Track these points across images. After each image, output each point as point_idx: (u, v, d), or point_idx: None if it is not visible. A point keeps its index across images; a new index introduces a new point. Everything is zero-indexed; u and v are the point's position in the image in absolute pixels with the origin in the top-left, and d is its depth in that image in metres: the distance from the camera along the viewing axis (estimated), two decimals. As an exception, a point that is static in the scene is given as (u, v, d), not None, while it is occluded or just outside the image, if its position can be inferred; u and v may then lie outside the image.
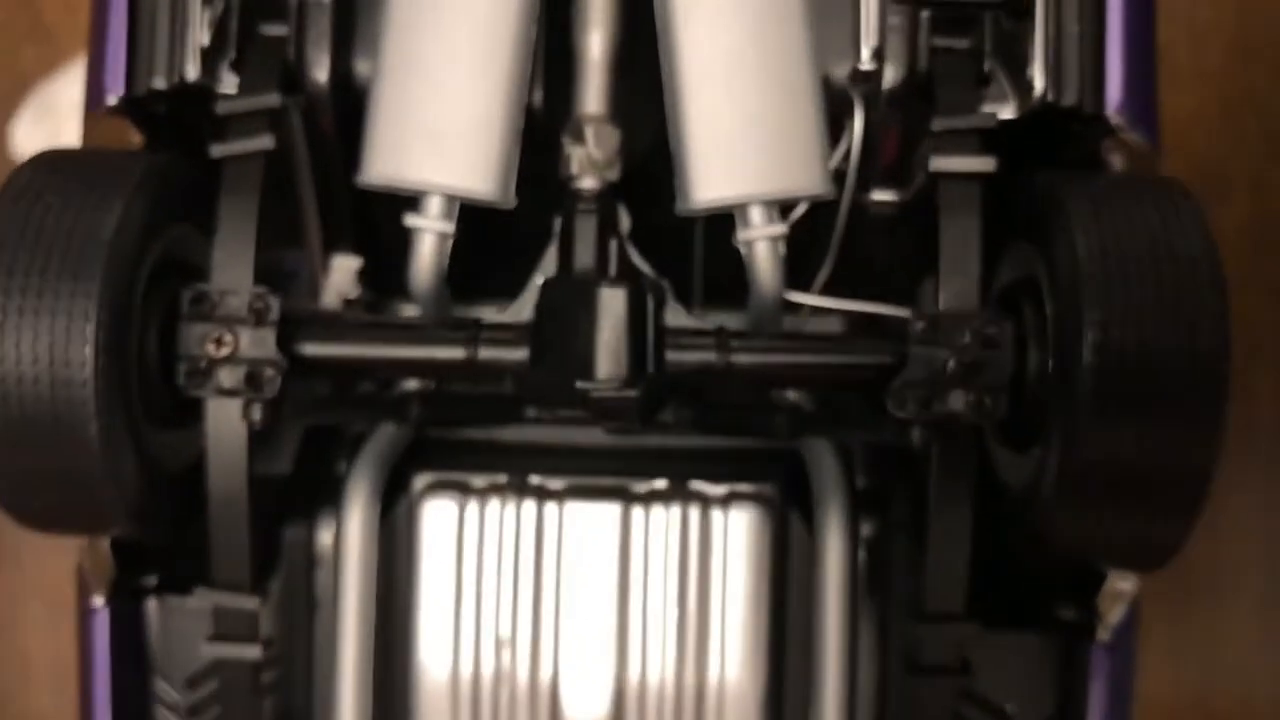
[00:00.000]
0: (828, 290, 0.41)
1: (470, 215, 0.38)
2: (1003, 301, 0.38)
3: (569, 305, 0.37)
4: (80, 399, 0.34)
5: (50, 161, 0.37)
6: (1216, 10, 0.66)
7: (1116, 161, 0.39)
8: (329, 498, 0.42)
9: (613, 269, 0.38)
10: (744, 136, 0.37)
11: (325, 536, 0.43)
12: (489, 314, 0.42)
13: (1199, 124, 0.65)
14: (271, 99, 0.38)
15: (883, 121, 0.39)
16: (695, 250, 0.43)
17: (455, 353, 0.38)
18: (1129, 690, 0.41)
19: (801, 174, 0.38)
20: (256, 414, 0.36)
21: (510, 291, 0.41)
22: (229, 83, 0.39)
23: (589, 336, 0.36)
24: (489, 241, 0.40)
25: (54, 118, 0.64)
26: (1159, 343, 0.33)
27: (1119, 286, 0.34)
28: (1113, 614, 0.40)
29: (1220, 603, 0.65)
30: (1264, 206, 0.65)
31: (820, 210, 0.40)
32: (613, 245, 0.38)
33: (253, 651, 0.38)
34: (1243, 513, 0.64)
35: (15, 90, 0.67)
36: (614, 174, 0.38)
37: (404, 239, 0.38)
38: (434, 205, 0.38)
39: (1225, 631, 0.65)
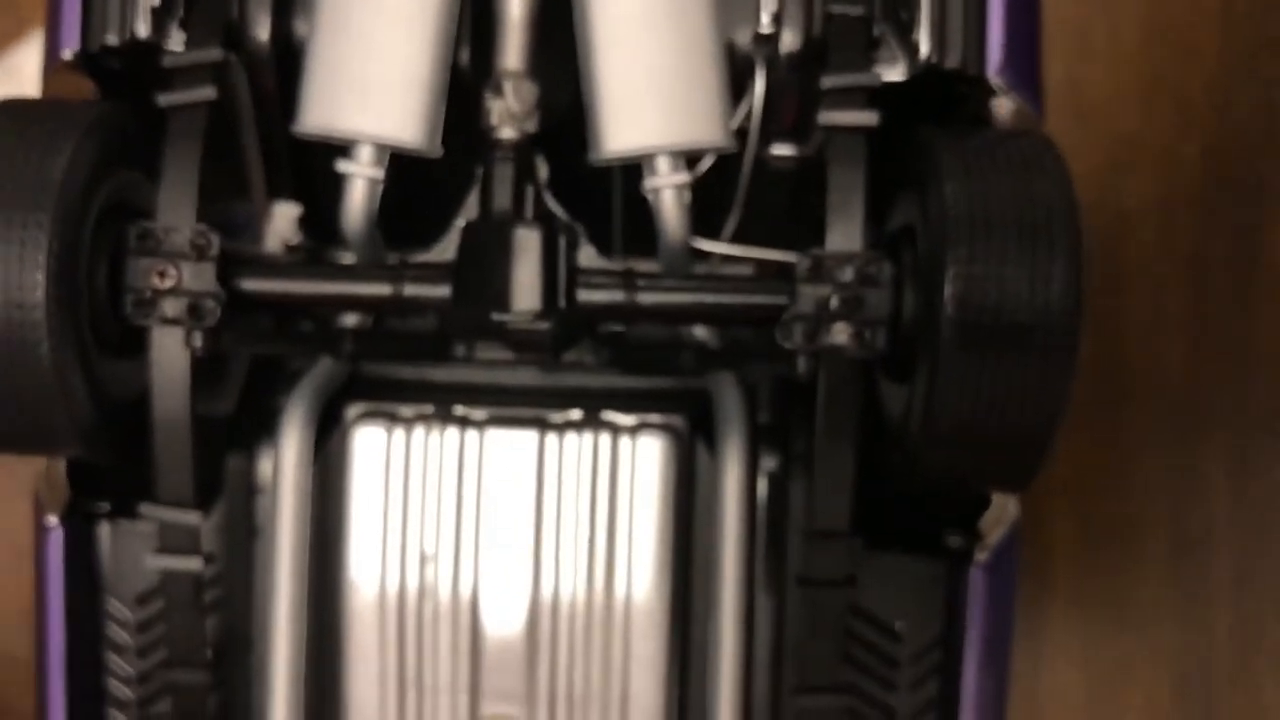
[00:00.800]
0: (736, 241, 0.45)
1: (401, 164, 0.41)
2: (890, 247, 0.41)
3: (487, 245, 0.40)
4: (33, 322, 0.37)
5: (6, 108, 0.40)
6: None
7: (999, 122, 0.43)
8: (269, 430, 0.45)
9: (529, 212, 0.41)
10: (651, 91, 0.41)
11: (265, 467, 0.46)
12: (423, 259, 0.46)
13: (1115, 101, 0.68)
14: (215, 53, 0.41)
15: (782, 82, 0.43)
16: (615, 201, 0.47)
17: (382, 289, 0.41)
18: (1010, 611, 0.45)
19: (705, 126, 0.41)
20: (198, 341, 0.39)
21: (438, 237, 0.44)
22: (177, 40, 0.42)
23: (505, 273, 0.39)
24: (418, 190, 0.43)
25: (18, 84, 0.66)
26: (1015, 282, 0.37)
27: (980, 230, 0.37)
28: (992, 535, 0.44)
29: (1127, 557, 0.68)
30: (1174, 180, 0.69)
31: (727, 164, 0.43)
32: (529, 191, 0.41)
33: (195, 563, 0.41)
34: (1151, 473, 0.68)
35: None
36: (531, 125, 0.41)
37: (339, 186, 0.42)
38: (365, 153, 0.41)
39: (1131, 584, 0.68)
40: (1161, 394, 0.68)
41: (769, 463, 0.45)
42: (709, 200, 0.43)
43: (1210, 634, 0.67)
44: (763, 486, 0.45)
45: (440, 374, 0.46)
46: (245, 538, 0.45)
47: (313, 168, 0.44)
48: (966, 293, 0.37)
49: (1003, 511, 0.44)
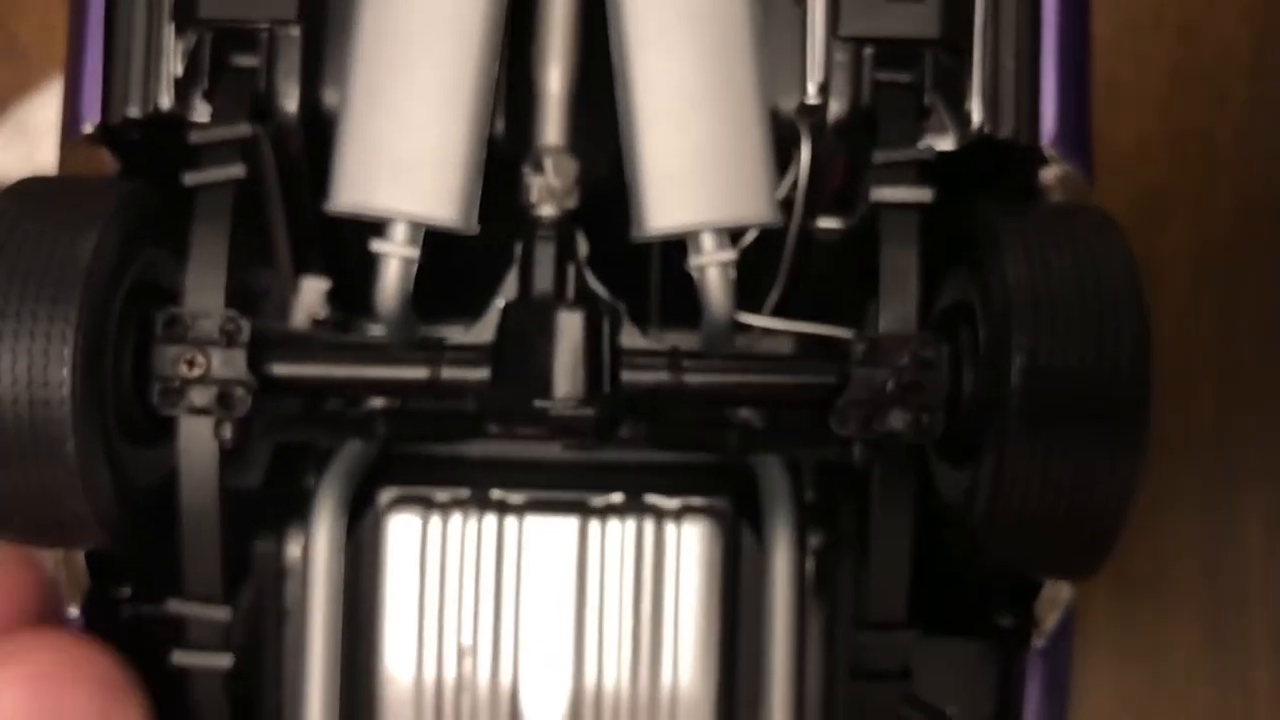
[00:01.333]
0: (778, 313, 0.43)
1: (436, 240, 0.40)
2: (941, 324, 0.40)
3: (528, 327, 0.38)
4: (57, 418, 0.35)
5: (28, 189, 0.39)
6: (1158, 43, 0.68)
7: (1051, 191, 0.42)
8: (298, 511, 0.44)
9: (570, 293, 0.39)
10: (695, 167, 0.39)
11: (294, 549, 0.44)
12: (454, 333, 0.44)
13: (1144, 149, 0.67)
14: (243, 129, 0.39)
15: (828, 152, 0.41)
16: (652, 273, 0.45)
17: (419, 372, 0.39)
18: (1065, 693, 0.43)
19: (751, 203, 0.40)
20: (227, 432, 0.37)
21: (473, 312, 0.43)
22: (202, 111, 0.41)
23: (547, 357, 0.38)
24: (455, 265, 0.41)
25: (28, 138, 0.65)
26: (1082, 363, 0.36)
27: (1045, 311, 0.36)
28: (1049, 620, 0.42)
29: (1163, 611, 0.67)
30: (1203, 230, 0.68)
31: (770, 236, 0.42)
32: (570, 270, 0.40)
33: (224, 660, 0.39)
34: (1182, 524, 0.67)
35: (-11, 110, 0.68)
36: (572, 202, 0.40)
37: (371, 262, 0.40)
38: (399, 231, 0.40)
39: (1168, 639, 0.67)
40: (1193, 448, 0.67)
41: (815, 540, 0.44)
42: (750, 271, 0.42)
43: (1248, 694, 0.66)
44: (810, 566, 0.43)
45: (474, 449, 0.45)
46: (274, 623, 0.44)
47: (341, 240, 0.43)
48: (1034, 375, 0.35)
49: (1057, 593, 0.43)
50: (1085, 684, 0.66)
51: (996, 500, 0.36)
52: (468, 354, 0.39)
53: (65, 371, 0.35)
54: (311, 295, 0.44)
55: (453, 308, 0.44)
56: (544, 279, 0.39)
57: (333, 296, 0.45)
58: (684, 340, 0.42)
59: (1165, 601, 0.67)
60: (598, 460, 0.45)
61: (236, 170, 0.39)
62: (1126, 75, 0.67)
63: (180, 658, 0.39)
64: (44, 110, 0.64)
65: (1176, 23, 0.68)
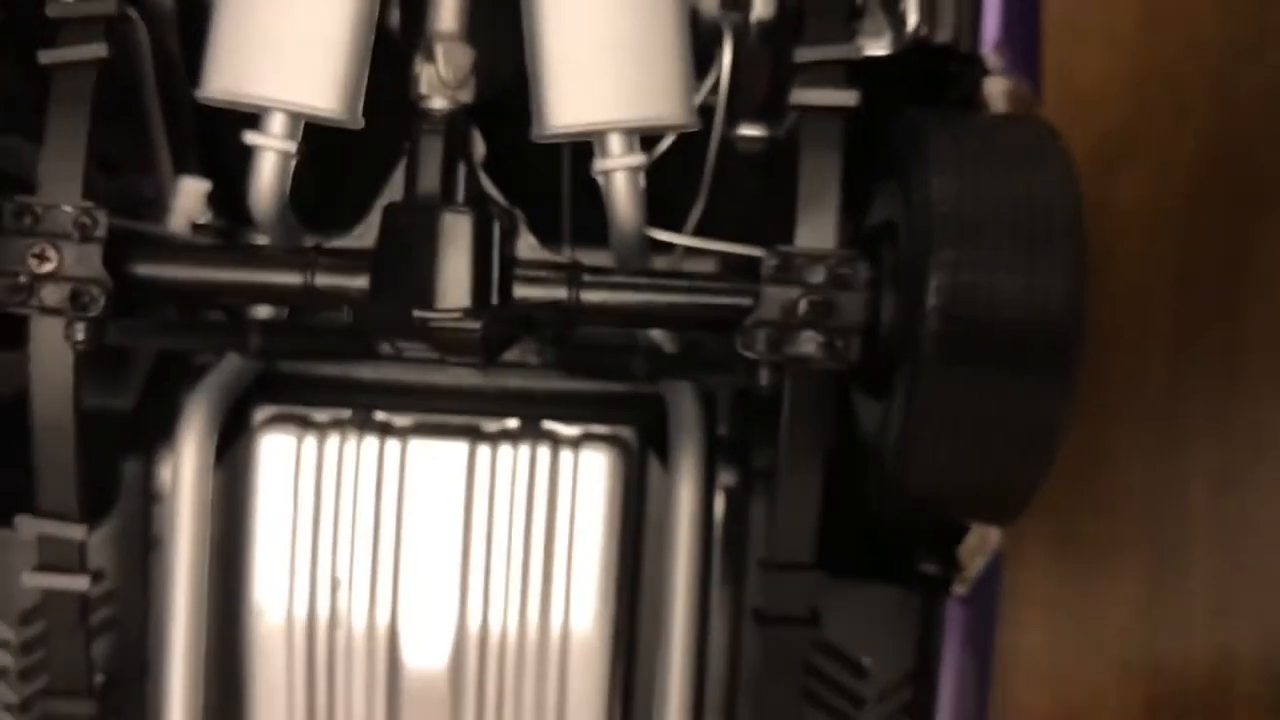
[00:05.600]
0: (700, 233, 0.40)
1: (319, 138, 0.36)
2: (866, 243, 0.37)
3: (412, 230, 0.35)
4: None
5: None
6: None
7: (994, 105, 0.38)
8: (170, 432, 0.40)
9: (459, 194, 0.36)
10: (603, 61, 0.36)
11: (165, 472, 0.41)
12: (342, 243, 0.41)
13: (1108, 90, 0.64)
14: (107, 5, 0.36)
15: (753, 54, 0.38)
16: (563, 186, 0.42)
17: (292, 278, 0.36)
18: (989, 647, 0.41)
19: (664, 102, 0.36)
20: (80, 334, 0.34)
21: (358, 220, 0.39)
22: None
23: (430, 263, 0.34)
24: (338, 167, 0.38)
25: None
26: (1010, 288, 0.32)
27: (971, 230, 0.33)
28: (973, 567, 0.40)
29: (1102, 571, 0.65)
30: (1166, 176, 0.65)
31: (691, 147, 0.39)
32: (461, 169, 0.36)
33: (80, 582, 0.36)
34: (1125, 480, 0.64)
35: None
36: (466, 95, 0.37)
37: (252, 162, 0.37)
38: (276, 122, 0.36)
39: (1105, 598, 0.65)
40: (1142, 402, 0.64)
41: (727, 478, 0.41)
42: (669, 188, 0.38)
43: (1186, 657, 0.64)
44: (720, 505, 0.40)
45: (363, 372, 0.42)
46: (142, 550, 0.41)
47: (225, 138, 0.39)
48: (954, 301, 0.32)
49: (983, 539, 0.40)
50: (1017, 642, 0.64)
51: (909, 431, 0.34)
52: (345, 259, 0.36)
53: None
54: (190, 198, 0.40)
55: (341, 215, 0.41)
56: (430, 177, 0.35)
57: (215, 201, 0.41)
58: (596, 260, 0.39)
59: (1104, 561, 0.64)
60: (499, 387, 0.41)
61: (98, 49, 0.35)
62: (1093, 12, 0.64)
63: (33, 579, 0.36)
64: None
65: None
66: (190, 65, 0.38)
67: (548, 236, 0.40)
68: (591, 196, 0.38)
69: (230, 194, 0.41)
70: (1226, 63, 0.64)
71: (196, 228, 0.41)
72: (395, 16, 0.38)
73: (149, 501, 0.41)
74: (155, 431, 0.41)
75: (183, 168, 0.41)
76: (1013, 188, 0.33)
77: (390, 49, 0.37)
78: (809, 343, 0.34)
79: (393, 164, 0.39)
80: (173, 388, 0.42)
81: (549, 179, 0.41)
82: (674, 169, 0.38)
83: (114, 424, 0.40)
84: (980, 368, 0.33)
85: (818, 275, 0.34)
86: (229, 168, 0.41)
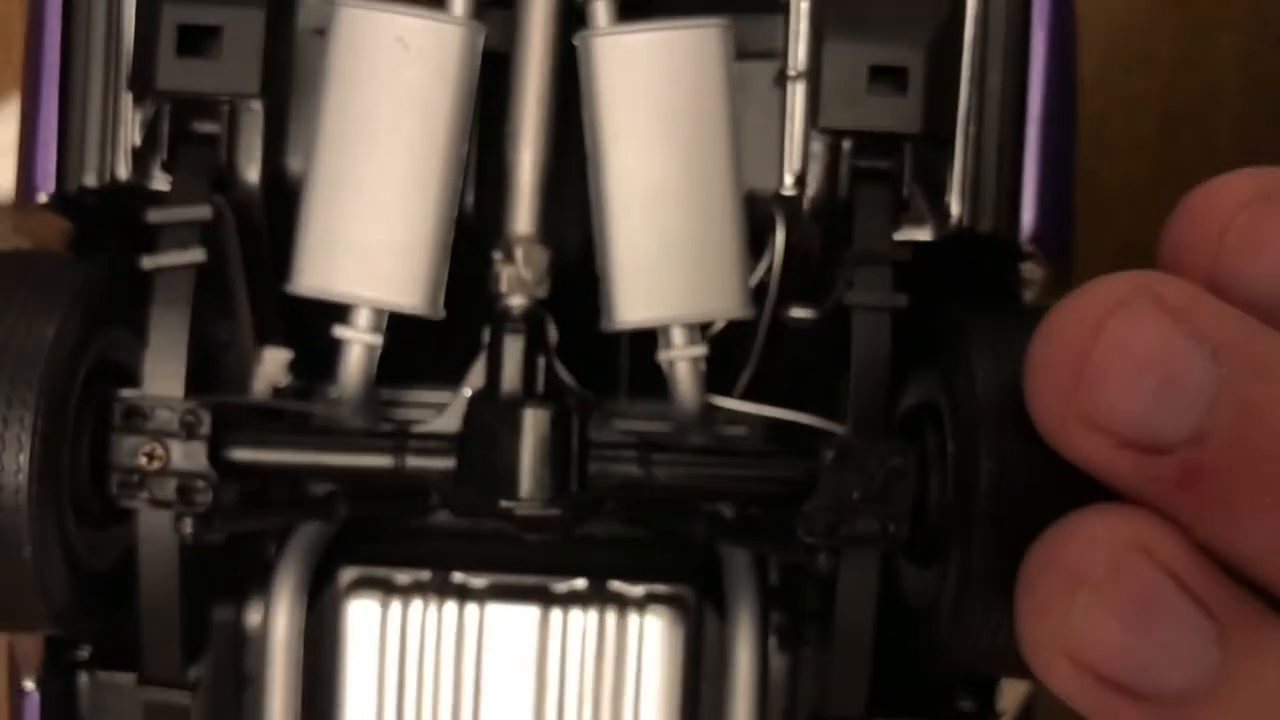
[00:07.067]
0: (748, 395, 0.43)
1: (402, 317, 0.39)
2: (908, 424, 0.39)
3: (495, 422, 0.38)
4: (13, 519, 0.34)
5: None
6: (1146, 81, 0.67)
7: (1027, 289, 0.41)
8: (257, 579, 0.43)
9: (539, 387, 0.39)
10: (667, 261, 0.38)
11: (254, 616, 0.44)
12: (420, 397, 0.43)
13: (1126, 195, 0.66)
14: (203, 210, 0.38)
15: (803, 239, 0.41)
16: (622, 351, 0.44)
17: (383, 461, 0.39)
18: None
19: (722, 297, 0.39)
20: (188, 527, 0.37)
21: (437, 376, 0.42)
22: (161, 181, 0.40)
23: (513, 455, 0.37)
24: (421, 337, 0.40)
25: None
26: (1052, 482, 0.35)
27: (1013, 419, 0.35)
28: (1010, 712, 0.42)
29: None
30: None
31: (742, 323, 0.41)
32: (540, 363, 0.39)
33: None
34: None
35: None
36: (542, 291, 0.39)
37: (332, 333, 0.39)
38: (362, 318, 0.39)
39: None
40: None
41: (778, 619, 0.44)
42: (721, 354, 0.41)
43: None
44: (772, 642, 0.43)
45: (435, 516, 0.44)
46: (234, 690, 0.43)
47: (304, 308, 0.42)
48: (1001, 487, 0.35)
49: (1018, 684, 0.43)
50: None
51: (961, 607, 0.36)
52: (432, 444, 0.39)
53: (23, 458, 0.34)
54: (273, 365, 0.43)
55: (417, 372, 0.43)
56: (512, 374, 0.38)
57: (295, 364, 0.44)
58: (652, 411, 0.42)
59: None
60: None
61: (196, 254, 0.38)
62: (1115, 117, 0.66)
63: None
64: (3, 129, 0.63)
65: (1167, 63, 0.67)
66: (275, 246, 0.41)
67: (602, 390, 0.43)
68: (648, 366, 0.40)
69: (308, 358, 0.44)
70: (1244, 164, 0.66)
71: (277, 391, 0.44)
72: (470, 205, 0.41)
73: (239, 644, 0.43)
74: (242, 578, 0.44)
75: (264, 338, 0.44)
76: None
77: (465, 232, 0.40)
78: (864, 527, 0.37)
79: (468, 338, 0.42)
80: (256, 534, 0.44)
81: (606, 349, 0.43)
82: (721, 337, 0.40)
83: (203, 567, 0.43)
84: (1026, 546, 0.35)
85: (872, 465, 0.37)
86: (307, 337, 0.43)
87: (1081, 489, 0.34)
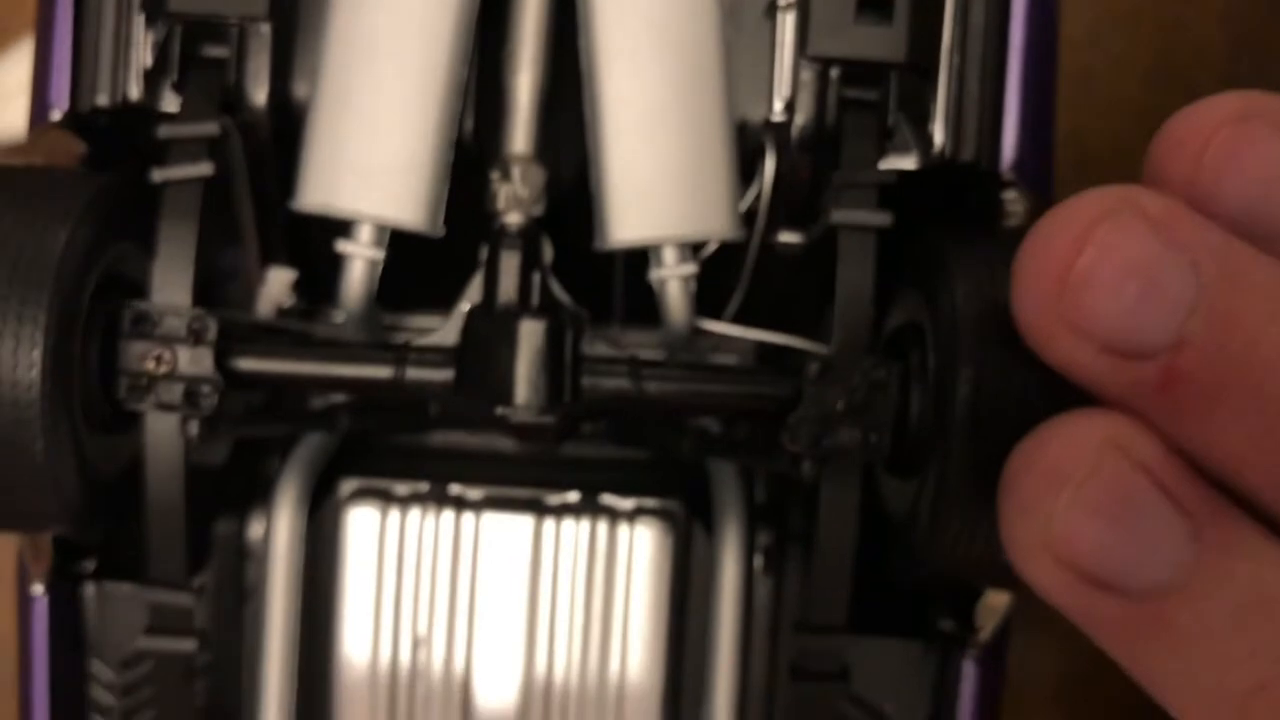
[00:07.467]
0: (737, 319, 0.44)
1: (402, 235, 0.40)
2: (892, 343, 0.41)
3: (492, 335, 0.39)
4: (26, 417, 0.36)
5: None
6: (1133, 40, 0.68)
7: (1010, 216, 0.42)
8: (259, 493, 0.45)
9: (534, 301, 0.40)
10: (660, 182, 0.40)
11: (256, 529, 0.45)
12: (417, 321, 0.45)
13: (1113, 152, 0.67)
14: (211, 127, 0.39)
15: (792, 166, 0.42)
16: (615, 275, 0.46)
17: (384, 372, 0.40)
18: (998, 703, 0.45)
19: (713, 218, 0.40)
20: (194, 430, 0.38)
21: (436, 302, 0.43)
22: (171, 102, 0.41)
23: (509, 366, 0.39)
24: (420, 257, 0.42)
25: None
26: (1028, 393, 0.36)
27: (992, 343, 0.37)
28: (987, 627, 0.44)
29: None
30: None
31: (732, 247, 0.43)
32: (535, 278, 0.40)
33: (187, 645, 0.41)
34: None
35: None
36: (539, 210, 0.41)
37: (336, 254, 0.41)
38: (364, 233, 0.40)
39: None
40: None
41: (764, 537, 0.45)
42: (711, 278, 0.42)
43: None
44: (758, 561, 0.45)
45: (432, 437, 0.46)
46: (235, 603, 0.45)
47: (308, 233, 0.43)
48: (979, 405, 0.36)
49: (997, 599, 0.44)
50: (1025, 662, 0.68)
51: (938, 511, 0.38)
52: (432, 356, 0.40)
53: (35, 371, 0.36)
54: (278, 285, 0.44)
55: (417, 297, 0.45)
56: (508, 288, 0.40)
57: (298, 285, 0.45)
58: (644, 339, 0.43)
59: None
60: (554, 453, 0.46)
61: (204, 168, 0.39)
62: (1101, 73, 0.68)
63: (145, 643, 0.41)
64: (14, 71, 0.64)
65: (1155, 21, 0.68)
66: (279, 164, 0.42)
67: (597, 317, 0.44)
68: (641, 288, 0.41)
69: (312, 279, 0.45)
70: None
71: (281, 311, 0.45)
72: (469, 129, 0.42)
73: (241, 557, 0.45)
74: (244, 492, 0.45)
75: (269, 258, 0.45)
76: None
77: (463, 157, 0.41)
78: (847, 437, 0.38)
79: (462, 254, 0.43)
80: (259, 449, 0.46)
81: (601, 270, 0.45)
82: (712, 263, 0.42)
83: (207, 482, 0.44)
84: (1004, 454, 0.37)
85: (855, 378, 0.38)
86: (311, 258, 0.45)
87: (1060, 400, 0.36)
